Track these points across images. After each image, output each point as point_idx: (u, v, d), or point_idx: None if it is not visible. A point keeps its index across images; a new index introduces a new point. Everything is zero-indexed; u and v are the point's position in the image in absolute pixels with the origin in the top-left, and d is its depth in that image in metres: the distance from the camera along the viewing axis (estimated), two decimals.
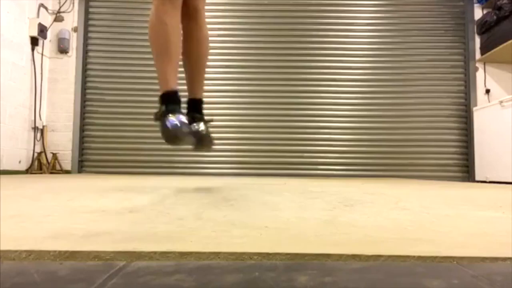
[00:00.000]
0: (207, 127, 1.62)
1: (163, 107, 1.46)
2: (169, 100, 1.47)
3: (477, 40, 4.34)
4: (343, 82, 4.33)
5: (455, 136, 4.33)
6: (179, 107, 1.49)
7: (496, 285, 0.42)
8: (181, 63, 1.63)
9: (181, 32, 1.59)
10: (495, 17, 3.94)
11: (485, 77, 4.32)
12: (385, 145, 4.28)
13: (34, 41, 4.03)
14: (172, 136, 1.43)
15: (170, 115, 1.43)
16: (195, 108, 1.65)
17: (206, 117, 1.66)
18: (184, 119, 1.45)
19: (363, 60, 4.37)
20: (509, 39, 3.72)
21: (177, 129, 1.41)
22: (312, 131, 4.30)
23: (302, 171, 4.25)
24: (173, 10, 1.48)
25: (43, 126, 4.18)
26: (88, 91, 4.36)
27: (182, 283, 0.41)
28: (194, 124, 1.59)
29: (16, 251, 0.48)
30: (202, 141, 1.63)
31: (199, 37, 1.67)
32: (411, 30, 4.42)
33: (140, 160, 4.24)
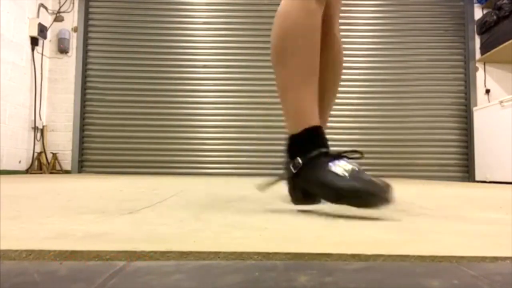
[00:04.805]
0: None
1: (315, 151, 0.91)
2: (320, 140, 0.95)
3: (477, 40, 4.34)
4: (342, 82, 4.32)
5: (455, 136, 4.33)
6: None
7: (496, 285, 0.42)
8: None
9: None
10: (495, 17, 3.94)
11: (485, 77, 4.32)
12: (385, 145, 4.28)
13: (34, 41, 4.03)
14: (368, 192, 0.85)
15: (336, 161, 0.89)
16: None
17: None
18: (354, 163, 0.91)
19: (363, 60, 4.37)
20: (509, 39, 3.72)
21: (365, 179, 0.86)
22: None
23: None
24: (320, 9, 1.01)
25: (43, 126, 4.18)
26: (88, 91, 4.37)
27: (182, 283, 0.41)
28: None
29: (16, 250, 0.48)
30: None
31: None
32: (411, 30, 4.43)
33: (140, 160, 4.24)
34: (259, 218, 0.83)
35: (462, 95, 4.38)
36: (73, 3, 4.37)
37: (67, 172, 4.18)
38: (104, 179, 2.76)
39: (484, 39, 4.21)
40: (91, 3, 4.43)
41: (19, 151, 3.87)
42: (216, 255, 0.49)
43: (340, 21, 1.21)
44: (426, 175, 4.23)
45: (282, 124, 4.29)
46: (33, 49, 4.04)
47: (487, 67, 4.33)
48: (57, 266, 0.46)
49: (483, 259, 0.49)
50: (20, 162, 3.87)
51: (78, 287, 0.40)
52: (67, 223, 0.71)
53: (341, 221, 0.80)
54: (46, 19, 4.27)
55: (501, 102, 3.60)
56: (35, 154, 4.07)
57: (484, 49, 4.19)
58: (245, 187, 1.98)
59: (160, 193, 1.46)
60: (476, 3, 4.38)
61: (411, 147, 4.30)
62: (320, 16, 1.01)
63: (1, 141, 3.55)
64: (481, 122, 4.01)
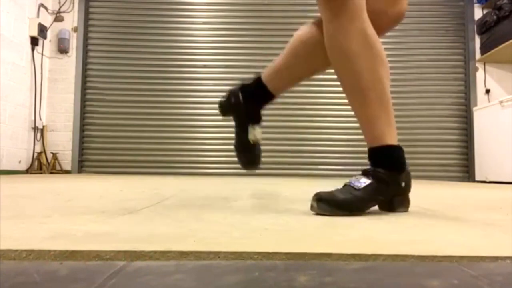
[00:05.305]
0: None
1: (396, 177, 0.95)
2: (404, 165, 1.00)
3: (477, 40, 4.34)
4: None
5: (455, 136, 4.33)
6: None
7: (496, 285, 0.42)
8: None
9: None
10: (495, 17, 3.94)
11: (485, 77, 4.32)
12: None
13: (34, 41, 4.03)
14: None
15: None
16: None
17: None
18: None
19: None
20: (509, 39, 3.72)
21: None
22: (312, 131, 4.30)
23: (302, 171, 4.25)
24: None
25: (43, 126, 4.18)
26: (88, 91, 4.37)
27: (182, 283, 0.41)
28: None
29: (16, 250, 0.48)
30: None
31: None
32: (411, 30, 4.42)
33: (140, 160, 4.24)
34: (259, 218, 0.83)
35: (462, 95, 4.38)
36: (73, 3, 4.37)
37: (67, 172, 4.18)
38: (104, 179, 2.76)
39: (484, 39, 4.21)
40: (91, 3, 4.43)
41: (19, 151, 3.87)
42: (216, 255, 0.49)
43: None
44: (426, 175, 4.23)
45: (281, 124, 4.30)
46: (33, 49, 4.04)
47: (487, 67, 4.33)
48: (57, 266, 0.46)
49: (483, 259, 0.49)
50: (20, 162, 3.87)
51: (78, 287, 0.40)
52: (67, 223, 0.71)
53: (341, 221, 0.80)
54: (46, 19, 4.26)
55: (501, 102, 3.60)
56: (35, 154, 4.06)
57: (484, 49, 4.19)
58: (245, 187, 1.98)
59: (160, 193, 1.46)
60: (476, 3, 4.38)
61: (412, 147, 4.30)
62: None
63: (1, 141, 3.55)
64: (481, 122, 4.01)
